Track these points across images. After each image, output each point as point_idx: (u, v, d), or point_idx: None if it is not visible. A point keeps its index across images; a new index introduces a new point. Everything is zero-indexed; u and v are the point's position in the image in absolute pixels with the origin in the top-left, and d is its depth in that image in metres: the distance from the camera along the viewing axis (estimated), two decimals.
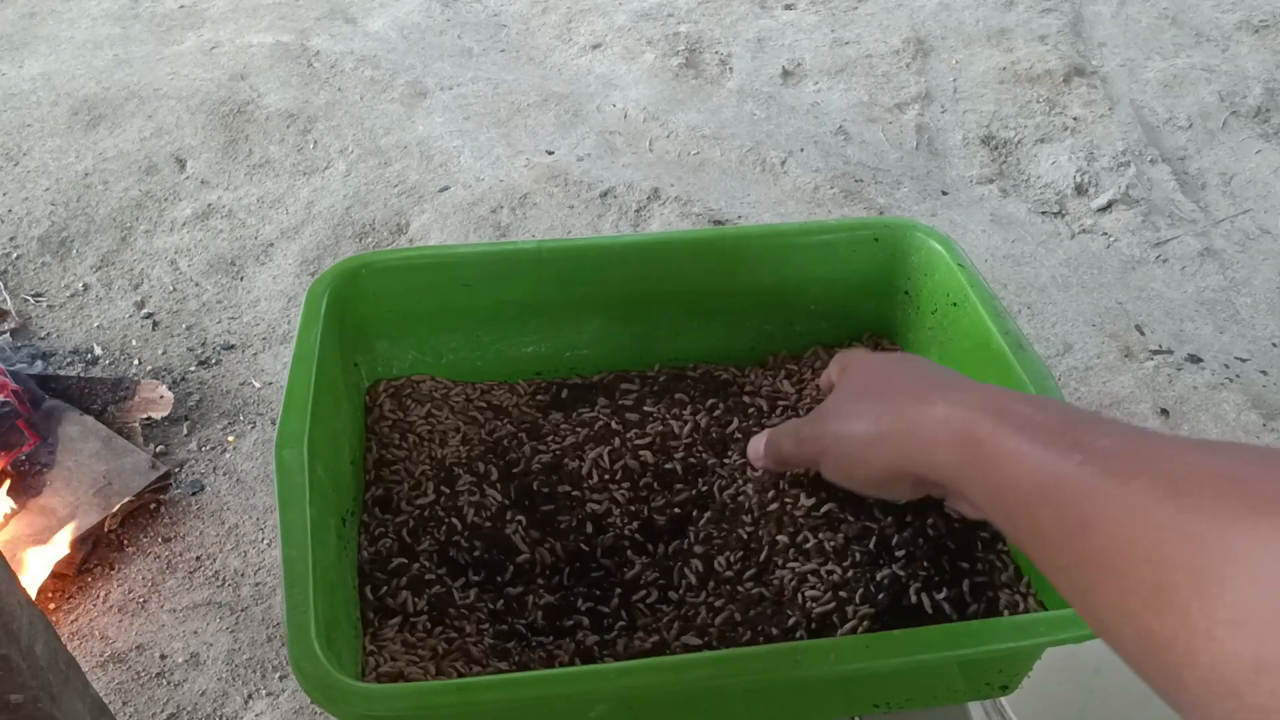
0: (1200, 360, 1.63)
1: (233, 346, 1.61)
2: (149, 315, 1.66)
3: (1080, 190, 2.03)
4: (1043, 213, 1.99)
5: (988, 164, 2.10)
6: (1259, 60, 2.41)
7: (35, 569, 1.23)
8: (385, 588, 0.63)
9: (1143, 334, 1.68)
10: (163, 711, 1.15)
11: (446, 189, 1.93)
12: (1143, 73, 2.37)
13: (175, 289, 1.71)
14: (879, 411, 0.50)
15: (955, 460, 0.44)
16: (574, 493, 0.69)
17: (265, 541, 1.33)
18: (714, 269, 0.78)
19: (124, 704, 1.15)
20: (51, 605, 1.24)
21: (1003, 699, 0.77)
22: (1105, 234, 1.93)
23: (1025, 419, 0.41)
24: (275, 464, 0.57)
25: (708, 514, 0.66)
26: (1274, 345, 1.69)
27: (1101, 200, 1.99)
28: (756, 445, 0.62)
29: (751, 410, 0.75)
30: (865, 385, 0.54)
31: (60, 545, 1.25)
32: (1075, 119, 2.19)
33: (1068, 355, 1.63)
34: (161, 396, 1.47)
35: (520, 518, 0.67)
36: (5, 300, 1.67)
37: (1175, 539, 0.29)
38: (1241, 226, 1.96)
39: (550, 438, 0.73)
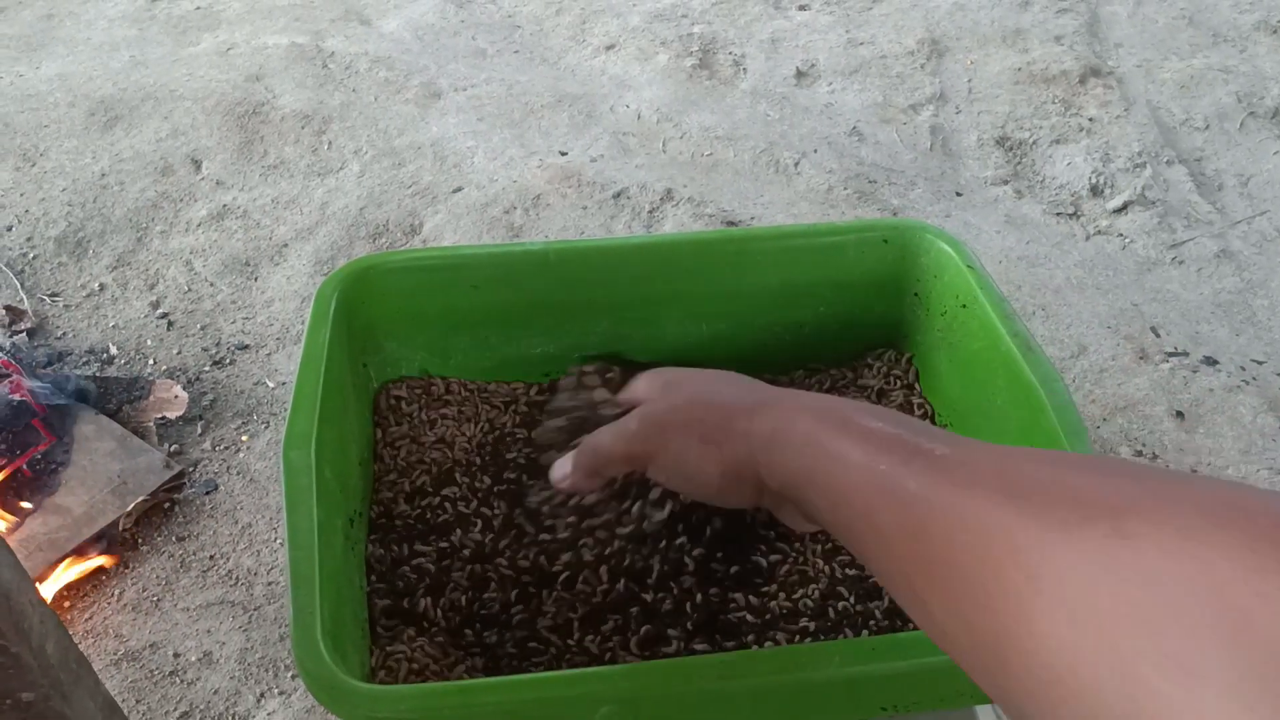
0: (1216, 363, 1.62)
1: (247, 346, 1.61)
2: (164, 315, 1.67)
3: (1096, 191, 2.02)
4: (1058, 214, 1.98)
5: (1002, 165, 2.10)
6: (1277, 61, 2.39)
7: (52, 578, 1.24)
8: (392, 590, 0.63)
9: (1158, 336, 1.67)
10: (175, 710, 1.15)
11: (460, 190, 1.93)
12: (1159, 73, 2.35)
13: (190, 289, 1.72)
14: (720, 415, 0.49)
15: (797, 467, 0.43)
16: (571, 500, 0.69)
17: (278, 541, 1.33)
18: (722, 270, 0.78)
19: (137, 702, 1.16)
20: (65, 604, 1.25)
21: None
22: (1121, 235, 1.92)
23: (866, 428, 0.41)
24: (283, 465, 0.57)
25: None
26: None
27: (1117, 201, 1.98)
28: (563, 465, 0.57)
29: None
30: (698, 392, 0.53)
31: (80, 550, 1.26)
32: (1091, 120, 2.18)
33: (1082, 357, 1.62)
34: (176, 396, 1.48)
35: (523, 519, 0.67)
36: (22, 300, 1.68)
37: (1010, 542, 0.30)
38: (1259, 228, 1.95)
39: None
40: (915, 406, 0.77)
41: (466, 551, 0.65)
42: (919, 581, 0.35)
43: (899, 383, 0.79)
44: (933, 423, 0.76)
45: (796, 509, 0.47)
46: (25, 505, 1.30)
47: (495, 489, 0.69)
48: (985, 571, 0.31)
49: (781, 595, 0.62)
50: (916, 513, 0.35)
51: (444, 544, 0.66)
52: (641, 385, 0.58)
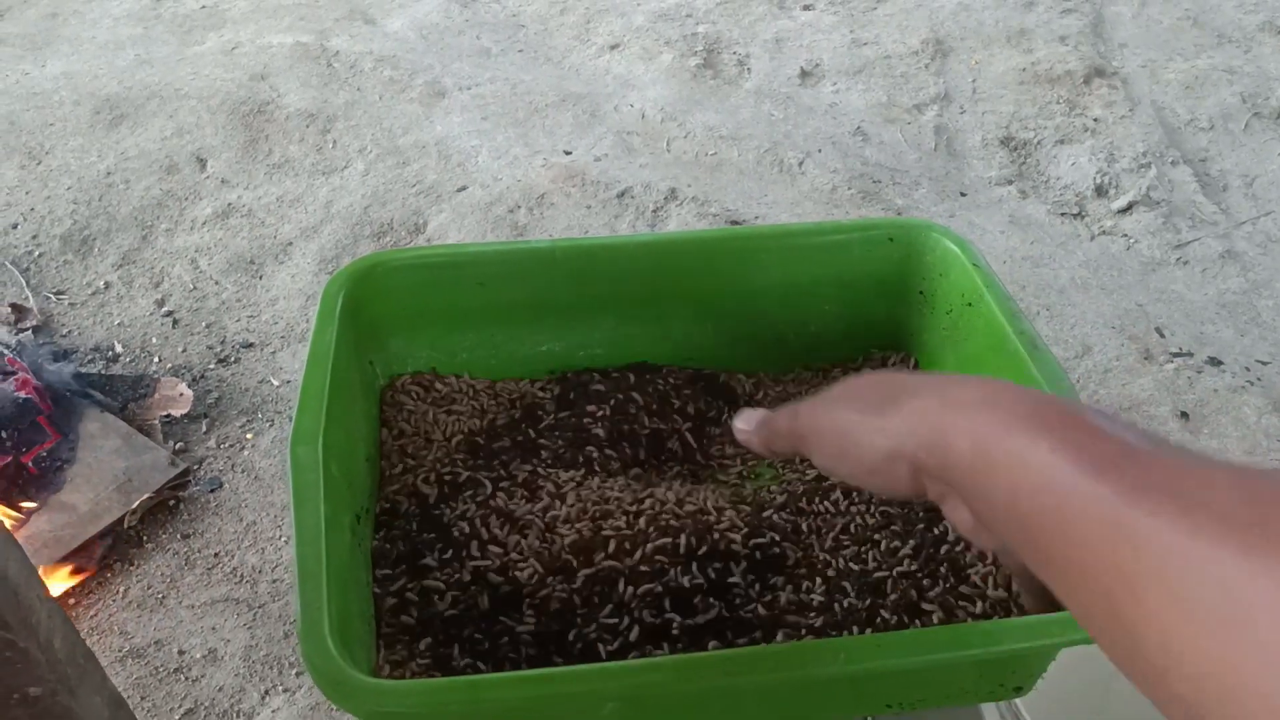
0: (1221, 363, 1.62)
1: (252, 345, 1.62)
2: (169, 313, 1.67)
3: (1100, 192, 2.01)
4: (1062, 214, 1.98)
5: (1007, 165, 2.09)
6: None
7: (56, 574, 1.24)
8: (398, 586, 0.63)
9: (1163, 336, 1.67)
10: (180, 706, 1.16)
11: (464, 189, 1.93)
12: (1164, 74, 2.35)
13: (195, 287, 1.72)
14: (887, 388, 0.44)
15: (972, 452, 0.38)
16: (582, 504, 0.69)
17: (283, 538, 1.33)
18: (727, 269, 0.78)
19: (142, 699, 1.16)
20: (71, 600, 1.25)
21: (1017, 700, 0.76)
22: (1125, 236, 1.92)
23: (1081, 429, 0.34)
24: (289, 462, 0.58)
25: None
26: None
27: (1122, 202, 1.98)
28: (749, 418, 0.54)
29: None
30: (864, 378, 0.48)
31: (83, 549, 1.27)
32: (1096, 120, 2.18)
33: (1087, 357, 1.62)
34: (181, 394, 1.48)
35: (529, 516, 0.68)
36: (28, 298, 1.68)
37: (1262, 618, 0.25)
38: (1263, 228, 1.95)
39: (561, 439, 0.73)
40: None
41: (472, 549, 0.65)
42: (1129, 639, 0.29)
43: None
44: None
45: (964, 510, 0.42)
46: (31, 503, 1.30)
47: (500, 486, 0.70)
48: (1225, 628, 0.26)
49: (789, 588, 0.62)
50: (1140, 565, 0.29)
51: (449, 541, 0.66)
52: (787, 420, 0.53)
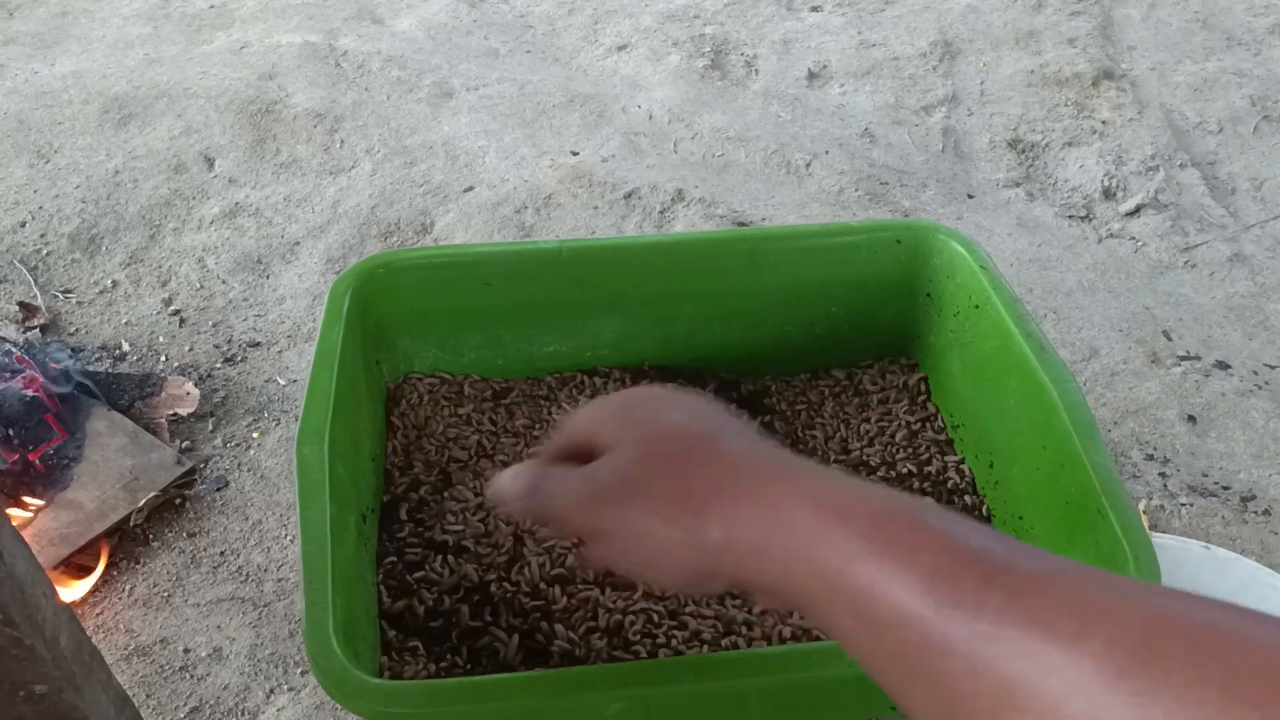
0: (1229, 367, 1.62)
1: (258, 344, 1.62)
2: (176, 312, 1.67)
3: (1108, 194, 2.01)
4: (1070, 216, 1.97)
5: (1014, 167, 2.09)
6: None
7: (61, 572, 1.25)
8: (403, 585, 0.63)
9: (1170, 340, 1.67)
10: (185, 705, 1.16)
11: (471, 189, 1.94)
12: (1173, 76, 2.35)
13: (203, 286, 1.73)
14: (692, 491, 0.37)
15: (791, 580, 0.32)
16: None
17: (288, 537, 1.34)
18: (734, 270, 0.78)
19: (147, 697, 1.16)
20: (77, 598, 1.26)
21: None
22: (1133, 238, 1.92)
23: (907, 539, 0.30)
24: (296, 461, 0.58)
25: None
26: None
27: (1130, 204, 1.97)
28: (509, 483, 0.46)
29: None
30: (666, 447, 0.40)
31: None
32: (1104, 122, 2.18)
33: (1094, 360, 1.62)
34: (188, 393, 1.48)
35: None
36: (35, 296, 1.69)
37: None
38: (1272, 232, 1.94)
39: None
40: (920, 420, 0.77)
41: (477, 548, 0.65)
42: None
43: (905, 395, 0.78)
44: (943, 426, 0.76)
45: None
46: (37, 500, 1.30)
47: None
48: None
49: None
50: (1004, 687, 0.25)
51: (455, 540, 0.66)
52: (587, 420, 0.45)
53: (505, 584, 0.63)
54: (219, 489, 1.39)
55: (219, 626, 1.23)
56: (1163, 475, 1.44)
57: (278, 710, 1.15)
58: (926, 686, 0.28)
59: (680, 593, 0.40)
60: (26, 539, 0.68)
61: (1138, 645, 0.23)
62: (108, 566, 1.29)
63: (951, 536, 0.29)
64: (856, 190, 1.96)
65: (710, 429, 0.40)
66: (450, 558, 0.65)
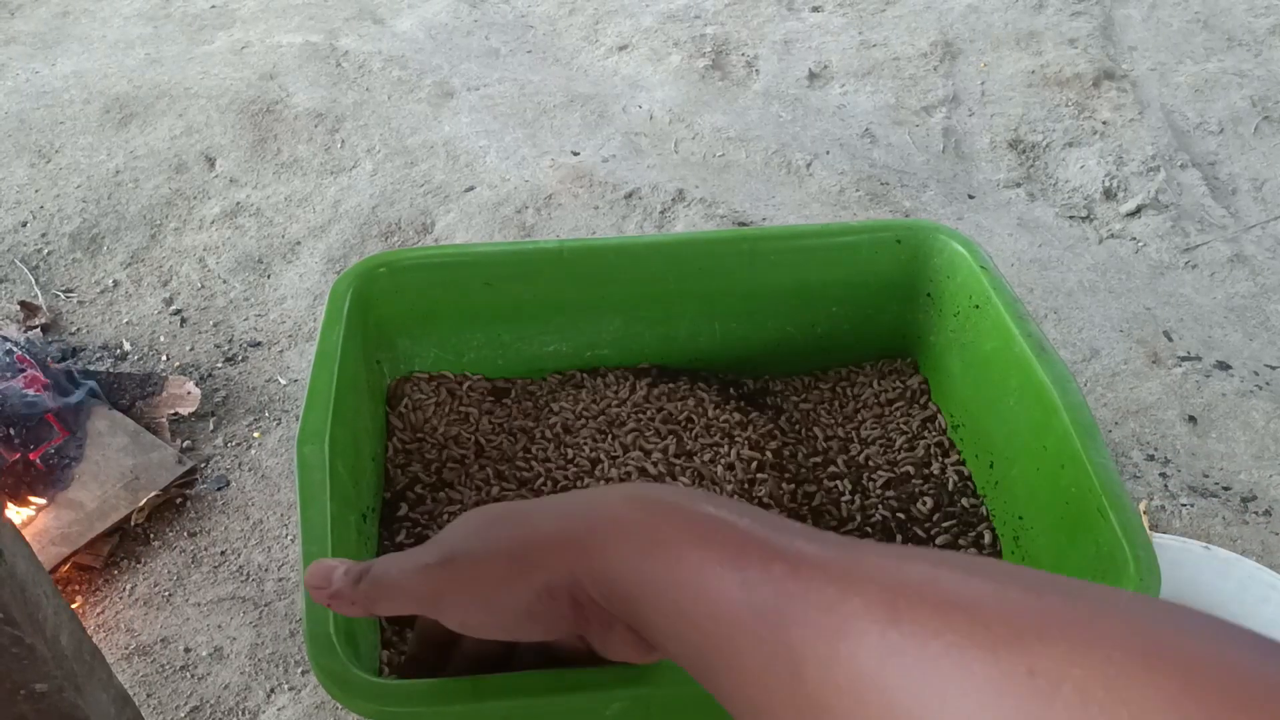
0: (1229, 367, 1.62)
1: (259, 344, 1.62)
2: (177, 312, 1.68)
3: (1109, 194, 2.01)
4: (1070, 217, 1.97)
5: (1015, 168, 2.09)
6: None
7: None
8: None
9: (1171, 340, 1.67)
10: (186, 704, 1.16)
11: (472, 189, 1.94)
12: (1173, 77, 2.35)
13: (204, 286, 1.73)
14: (529, 519, 0.39)
15: (632, 571, 0.34)
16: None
17: (289, 537, 1.34)
18: (735, 270, 0.78)
19: (148, 696, 1.16)
20: (77, 597, 1.26)
21: None
22: (1134, 239, 1.92)
23: (719, 522, 0.32)
24: (296, 460, 0.58)
25: None
26: None
27: (1130, 205, 1.97)
28: (325, 571, 0.43)
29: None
30: (504, 509, 0.41)
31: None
32: (1104, 123, 2.18)
33: (1094, 361, 1.62)
34: (189, 392, 1.48)
35: None
36: (36, 296, 1.69)
37: (903, 682, 0.24)
38: (1273, 232, 1.94)
39: (568, 439, 0.73)
40: (920, 420, 0.77)
41: None
42: None
43: (906, 395, 0.79)
44: (943, 426, 0.76)
45: (631, 635, 0.38)
46: (39, 499, 1.30)
47: (506, 486, 0.70)
48: (874, 716, 0.25)
49: None
50: (785, 641, 0.28)
51: None
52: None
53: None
54: (220, 488, 1.39)
55: (220, 626, 1.23)
56: (1163, 475, 1.44)
57: (278, 709, 1.15)
58: (725, 654, 0.31)
59: (524, 635, 0.40)
60: (27, 538, 0.68)
61: (891, 605, 0.26)
62: (108, 566, 1.29)
63: (737, 519, 0.33)
64: (857, 190, 1.96)
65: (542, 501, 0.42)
66: None
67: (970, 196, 2.01)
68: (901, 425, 0.77)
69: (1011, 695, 0.22)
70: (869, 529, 0.67)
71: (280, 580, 1.28)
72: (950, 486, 0.71)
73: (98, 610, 1.25)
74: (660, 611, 0.33)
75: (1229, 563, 1.02)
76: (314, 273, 1.75)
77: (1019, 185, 2.05)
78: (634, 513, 0.35)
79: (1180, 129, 2.19)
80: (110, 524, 1.29)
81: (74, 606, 1.23)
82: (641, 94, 2.25)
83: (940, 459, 0.74)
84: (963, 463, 0.73)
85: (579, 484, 0.70)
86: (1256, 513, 1.39)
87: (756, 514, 0.33)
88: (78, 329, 1.64)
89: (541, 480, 0.70)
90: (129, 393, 1.48)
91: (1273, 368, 1.64)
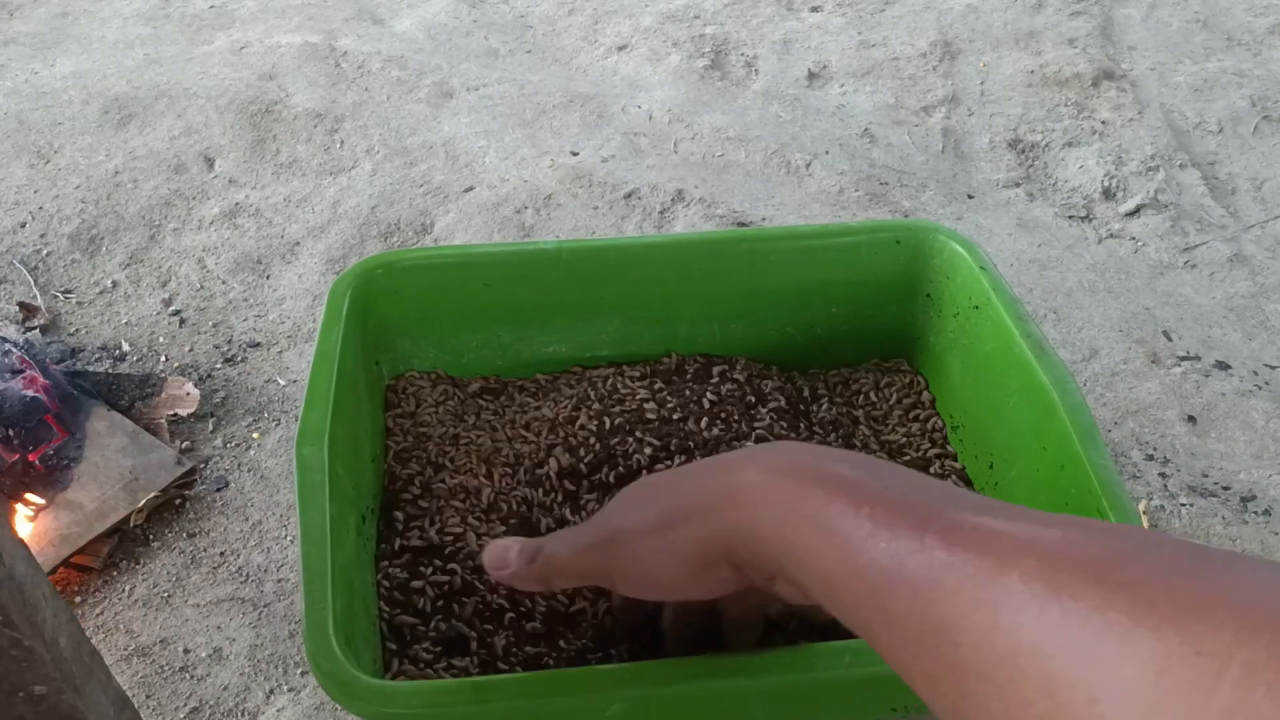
0: (1229, 367, 1.62)
1: (258, 344, 1.62)
2: (176, 312, 1.67)
3: (1108, 194, 2.01)
4: (1070, 217, 1.97)
5: (1014, 167, 2.09)
6: None
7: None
8: (404, 586, 0.63)
9: (1170, 340, 1.67)
10: (185, 705, 1.16)
11: (471, 189, 1.94)
12: (1173, 76, 2.35)
13: (203, 287, 1.73)
14: (680, 490, 0.41)
15: (778, 538, 0.35)
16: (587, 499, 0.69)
17: (288, 538, 1.34)
18: (734, 270, 0.78)
19: (147, 697, 1.16)
20: (77, 599, 1.26)
21: None
22: (1133, 239, 1.92)
23: (863, 487, 0.33)
24: (295, 461, 0.58)
25: None
26: None
27: (1130, 205, 1.97)
28: (503, 552, 0.48)
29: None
30: (652, 479, 0.44)
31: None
32: (1104, 123, 2.18)
33: (1094, 361, 1.62)
34: (188, 393, 1.48)
35: (541, 519, 0.68)
36: (35, 296, 1.69)
37: (1064, 655, 0.25)
38: (1272, 232, 1.94)
39: (569, 438, 0.73)
40: (920, 421, 0.77)
41: (478, 549, 0.65)
42: (952, 689, 0.28)
43: (905, 396, 0.78)
44: (943, 427, 0.76)
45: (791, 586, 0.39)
46: (37, 500, 1.30)
47: (506, 488, 0.70)
48: (1037, 690, 0.25)
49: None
50: (939, 608, 0.29)
51: (455, 541, 0.66)
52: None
53: (505, 585, 0.64)
54: (219, 489, 1.39)
55: (219, 627, 1.23)
56: (1163, 476, 1.44)
57: (278, 711, 1.15)
58: (893, 616, 0.31)
59: (691, 597, 0.42)
60: (26, 539, 0.68)
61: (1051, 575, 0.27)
62: (107, 567, 1.29)
63: (891, 485, 0.34)
64: (856, 190, 1.96)
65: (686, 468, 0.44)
66: (450, 558, 0.65)
67: (970, 196, 2.01)
68: (900, 426, 0.77)
69: (1176, 674, 0.22)
70: None
71: (280, 581, 1.28)
72: None
73: (97, 611, 1.25)
74: (812, 575, 0.34)
75: None
76: (313, 273, 1.74)
77: (1018, 185, 2.05)
78: (777, 479, 0.36)
79: (1180, 129, 2.19)
80: (109, 525, 1.29)
81: (73, 608, 1.23)
82: (641, 94, 2.25)
83: (940, 460, 0.74)
84: (962, 464, 0.73)
85: (580, 484, 0.70)
86: (1256, 512, 1.39)
87: (900, 476, 0.34)
88: (76, 330, 1.64)
89: (541, 480, 0.70)
90: (128, 393, 1.48)
91: (1272, 367, 1.64)
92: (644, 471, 0.70)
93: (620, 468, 0.70)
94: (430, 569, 0.64)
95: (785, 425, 0.73)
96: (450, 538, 0.66)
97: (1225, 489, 1.42)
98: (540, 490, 0.69)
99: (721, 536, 0.38)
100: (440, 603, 0.62)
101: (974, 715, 0.28)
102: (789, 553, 0.35)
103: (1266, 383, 1.59)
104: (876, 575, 0.31)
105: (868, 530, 0.32)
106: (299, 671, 1.19)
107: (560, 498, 0.69)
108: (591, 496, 0.69)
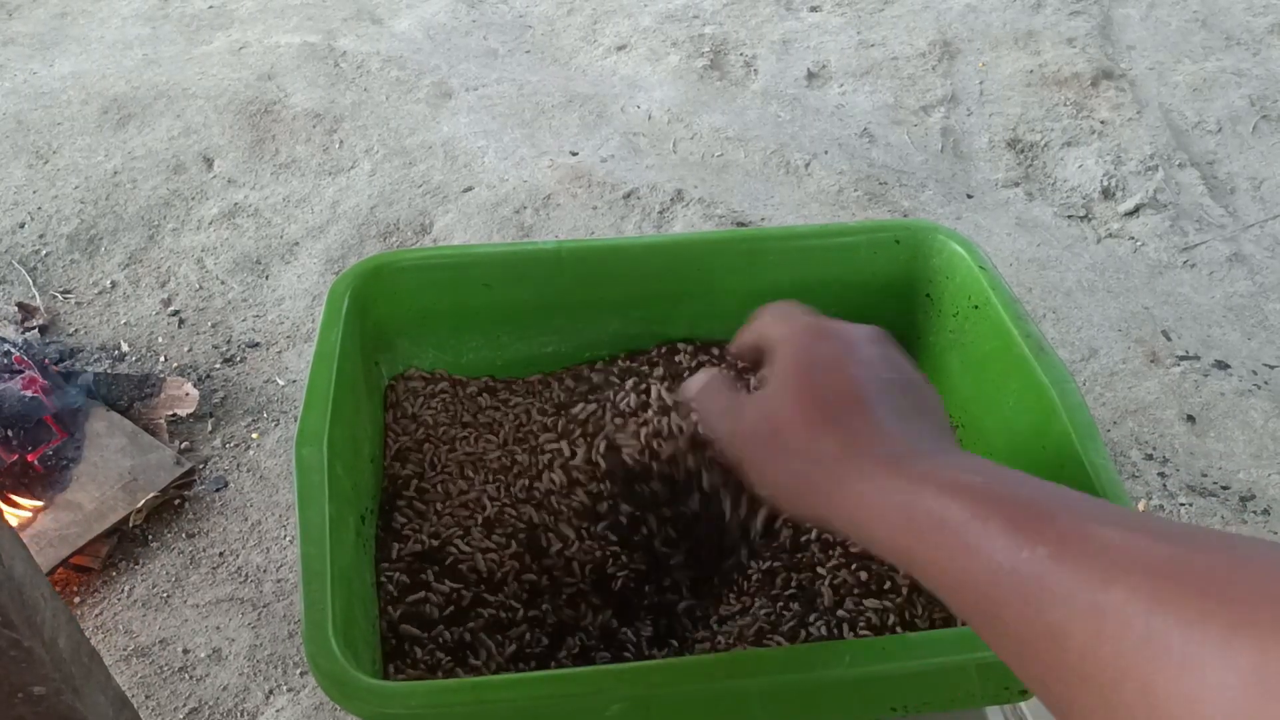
0: (1228, 367, 1.62)
1: (257, 344, 1.62)
2: (175, 313, 1.67)
3: (1107, 194, 2.01)
4: (1069, 216, 1.97)
5: (1013, 167, 2.09)
6: None
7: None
8: (402, 587, 0.63)
9: (1169, 339, 1.67)
10: (185, 705, 1.16)
11: (471, 189, 1.94)
12: (1172, 76, 2.35)
13: (202, 287, 1.73)
14: (815, 461, 0.42)
15: (895, 543, 0.37)
16: (586, 501, 0.69)
17: (287, 538, 1.34)
18: (733, 270, 0.78)
19: (147, 698, 1.16)
20: (76, 599, 1.26)
21: (1022, 704, 0.76)
22: (1132, 238, 1.92)
23: (976, 493, 0.35)
24: (295, 462, 0.58)
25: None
26: None
27: (1129, 204, 1.97)
28: (701, 391, 0.51)
29: None
30: (802, 398, 0.44)
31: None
32: (1103, 122, 2.18)
33: (1093, 360, 1.62)
34: (187, 393, 1.48)
35: (540, 518, 0.67)
36: (34, 297, 1.69)
37: (1163, 664, 0.26)
38: (1271, 231, 1.94)
39: (569, 437, 0.73)
40: None
41: (477, 549, 0.65)
42: (1059, 692, 0.30)
43: None
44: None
45: None
46: (37, 501, 1.30)
47: (505, 487, 0.70)
48: (1139, 699, 0.26)
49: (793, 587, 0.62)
50: (1046, 616, 0.30)
51: (454, 541, 0.66)
52: (754, 334, 0.52)
53: (505, 585, 0.63)
54: (218, 490, 1.39)
55: (218, 627, 1.23)
56: (1162, 475, 1.44)
57: (277, 711, 1.15)
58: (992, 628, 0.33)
59: (795, 516, 0.45)
60: (24, 540, 0.68)
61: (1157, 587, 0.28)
62: (107, 568, 1.29)
63: (1002, 485, 0.35)
64: (855, 190, 1.96)
65: (871, 397, 0.45)
66: (449, 559, 0.65)
67: (969, 196, 2.01)
68: None
69: (1276, 681, 0.23)
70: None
71: (279, 581, 1.28)
72: None
73: (96, 612, 1.25)
74: (929, 578, 0.36)
75: None
76: (312, 273, 1.74)
77: (1017, 185, 2.05)
78: (899, 490, 0.37)
79: (1179, 128, 2.19)
80: (108, 525, 1.29)
81: (72, 608, 1.23)
82: (640, 94, 2.24)
83: None
84: None
85: (580, 482, 0.69)
86: (1255, 511, 1.39)
87: (1019, 482, 0.35)
88: (75, 330, 1.64)
89: (542, 478, 0.70)
90: (127, 394, 1.48)
91: (1271, 367, 1.64)
92: (643, 472, 0.70)
93: (620, 468, 0.70)
94: (429, 568, 0.64)
95: None
96: (449, 537, 0.66)
97: (1224, 488, 1.42)
98: (540, 491, 0.69)
99: (843, 528, 0.40)
100: (441, 601, 0.62)
101: (1079, 716, 0.29)
102: (905, 556, 0.37)
103: (1265, 382, 1.60)
104: (990, 579, 0.32)
105: (980, 535, 0.33)
106: (298, 672, 1.19)
107: (560, 500, 0.69)
108: (592, 496, 0.69)
